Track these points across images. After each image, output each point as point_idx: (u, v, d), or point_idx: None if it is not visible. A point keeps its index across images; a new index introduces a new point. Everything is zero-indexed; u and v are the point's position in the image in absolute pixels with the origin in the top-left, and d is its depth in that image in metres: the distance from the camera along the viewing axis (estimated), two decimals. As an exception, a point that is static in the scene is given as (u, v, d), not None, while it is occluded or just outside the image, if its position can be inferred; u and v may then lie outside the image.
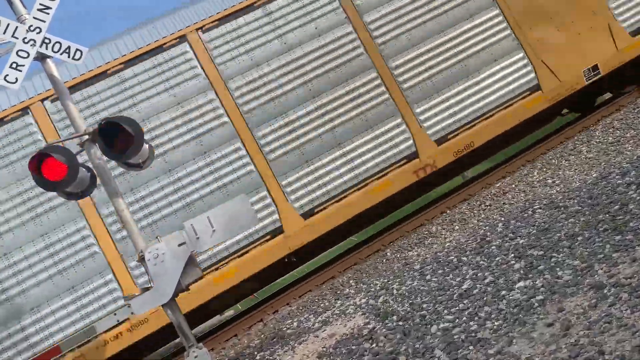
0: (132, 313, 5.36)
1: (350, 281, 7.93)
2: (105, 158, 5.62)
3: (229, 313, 18.18)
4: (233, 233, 5.76)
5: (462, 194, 9.50)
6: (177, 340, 10.97)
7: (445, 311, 4.78)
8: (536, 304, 4.10)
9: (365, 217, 9.05)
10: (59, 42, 5.53)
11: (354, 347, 4.95)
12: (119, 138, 5.41)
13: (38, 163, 5.15)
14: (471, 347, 3.95)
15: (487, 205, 8.18)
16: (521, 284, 4.55)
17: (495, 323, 4.14)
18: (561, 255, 4.73)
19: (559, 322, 3.70)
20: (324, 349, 5.25)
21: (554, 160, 8.67)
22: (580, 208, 5.63)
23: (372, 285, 6.86)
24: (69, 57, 5.53)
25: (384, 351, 4.60)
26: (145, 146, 5.68)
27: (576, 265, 4.40)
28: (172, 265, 5.38)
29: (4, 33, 5.38)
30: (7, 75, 5.32)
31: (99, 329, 5.84)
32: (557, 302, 3.98)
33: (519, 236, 5.69)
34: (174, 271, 5.37)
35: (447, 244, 7.04)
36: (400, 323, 5.04)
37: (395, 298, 5.82)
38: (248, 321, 8.70)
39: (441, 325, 4.54)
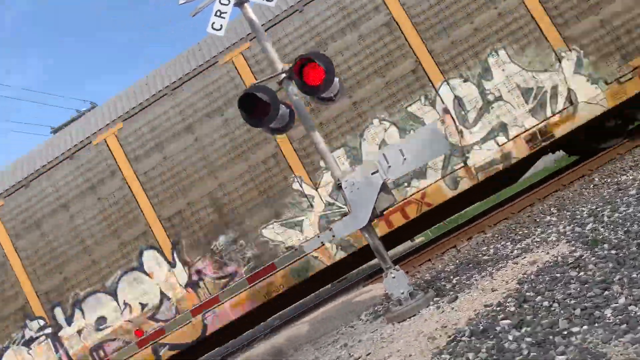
0: (333, 236, 5.78)
1: (552, 209, 7.43)
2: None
3: (420, 240, 18.54)
4: (424, 160, 5.77)
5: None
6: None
7: (671, 239, 4.22)
8: None
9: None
10: (253, -13, 5.90)
11: (558, 275, 4.68)
12: (311, 74, 5.70)
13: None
14: None
15: None
16: None
17: None
18: None
19: None
20: (525, 276, 5.05)
21: None
22: None
23: (577, 212, 6.33)
24: (263, -1, 5.88)
25: (593, 280, 4.26)
26: (336, 80, 5.88)
27: None
28: (367, 192, 5.63)
29: (207, -16, 5.91)
30: (214, 23, 5.88)
31: (306, 249, 6.47)
32: None
33: None
34: (369, 198, 5.62)
35: (673, 166, 6.12)
36: (613, 252, 4.59)
37: (606, 225, 5.31)
38: (440, 247, 8.78)
39: (666, 255, 4.03)
